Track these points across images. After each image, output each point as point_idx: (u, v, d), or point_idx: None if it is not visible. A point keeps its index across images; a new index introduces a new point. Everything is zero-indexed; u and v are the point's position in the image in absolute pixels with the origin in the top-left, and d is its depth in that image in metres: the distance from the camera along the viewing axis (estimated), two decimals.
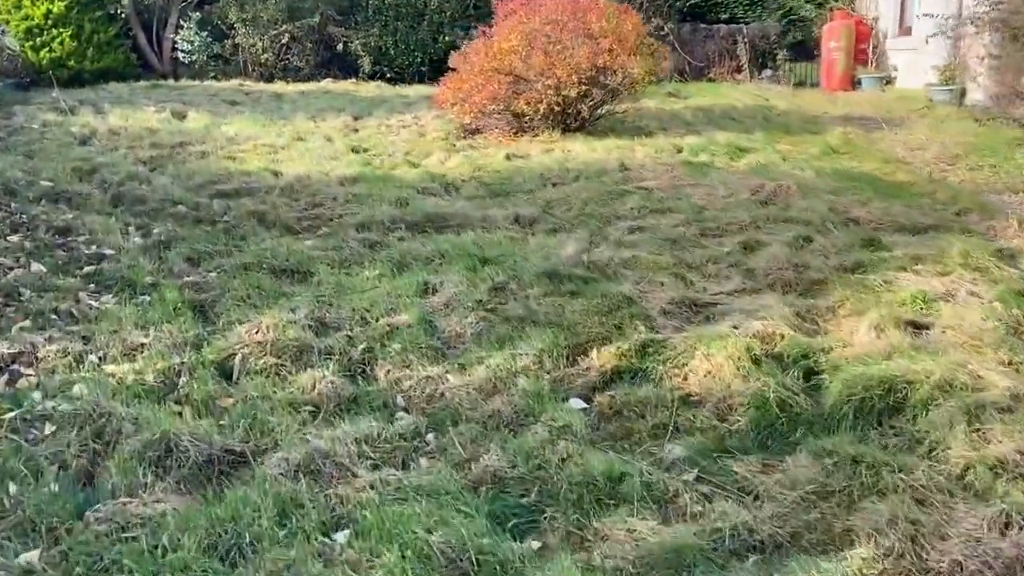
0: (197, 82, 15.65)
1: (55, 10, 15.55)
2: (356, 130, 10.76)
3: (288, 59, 16.73)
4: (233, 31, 16.66)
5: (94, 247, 5.84)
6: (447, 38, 16.91)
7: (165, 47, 17.36)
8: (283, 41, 16.50)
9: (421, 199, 7.05)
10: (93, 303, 4.84)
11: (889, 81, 15.71)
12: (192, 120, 10.82)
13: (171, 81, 15.78)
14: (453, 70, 10.60)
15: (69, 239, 6.12)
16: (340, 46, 16.77)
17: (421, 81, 17.01)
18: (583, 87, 9.07)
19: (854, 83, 15.81)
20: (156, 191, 7.31)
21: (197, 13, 16.93)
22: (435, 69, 17.33)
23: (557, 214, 6.56)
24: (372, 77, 16.90)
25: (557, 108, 9.23)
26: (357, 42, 16.57)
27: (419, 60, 17.09)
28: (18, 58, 15.97)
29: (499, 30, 9.71)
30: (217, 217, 6.66)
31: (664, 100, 12.36)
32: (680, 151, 8.71)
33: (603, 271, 4.97)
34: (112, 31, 16.48)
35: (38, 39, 15.68)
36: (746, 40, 16.40)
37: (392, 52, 16.95)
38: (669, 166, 7.83)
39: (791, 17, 17.63)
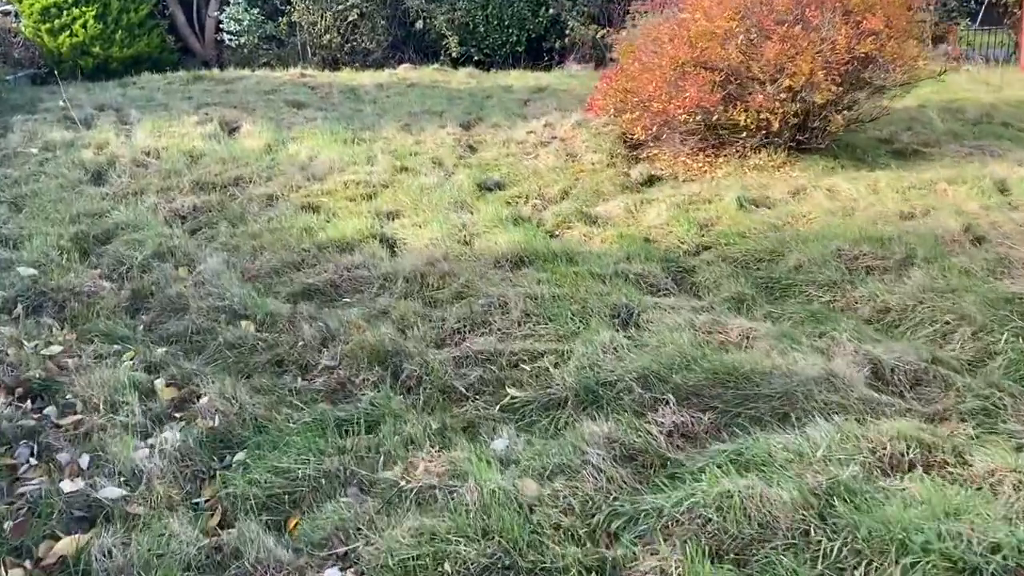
0: (247, 71, 12.73)
1: None
2: (473, 148, 7.75)
3: (356, 40, 13.74)
4: (289, 7, 13.71)
5: (75, 465, 2.96)
6: (550, 11, 13.77)
7: (208, 28, 14.50)
8: (350, 18, 13.49)
9: (654, 308, 4.02)
10: None
11: None
12: (248, 135, 7.90)
13: (216, 71, 12.87)
14: (610, 60, 7.54)
15: (39, 423, 3.25)
16: (420, 23, 13.71)
17: (516, 65, 13.95)
18: (838, 89, 5.93)
19: None
20: (202, 287, 4.40)
21: None
22: (533, 50, 14.28)
23: (950, 361, 3.47)
24: (456, 61, 13.85)
25: (794, 119, 6.11)
26: (441, 18, 13.49)
27: (514, 39, 13.98)
28: (35, 45, 13.20)
29: (695, 4, 6.57)
30: (310, 357, 3.72)
31: None
32: (1005, 191, 5.54)
33: None
34: (144, 9, 13.64)
35: (56, 21, 12.88)
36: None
37: (482, 29, 13.85)
38: None
39: None
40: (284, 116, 8.89)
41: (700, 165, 6.75)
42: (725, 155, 6.77)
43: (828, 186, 5.70)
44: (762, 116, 6.11)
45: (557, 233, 5.40)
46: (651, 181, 6.51)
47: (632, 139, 7.26)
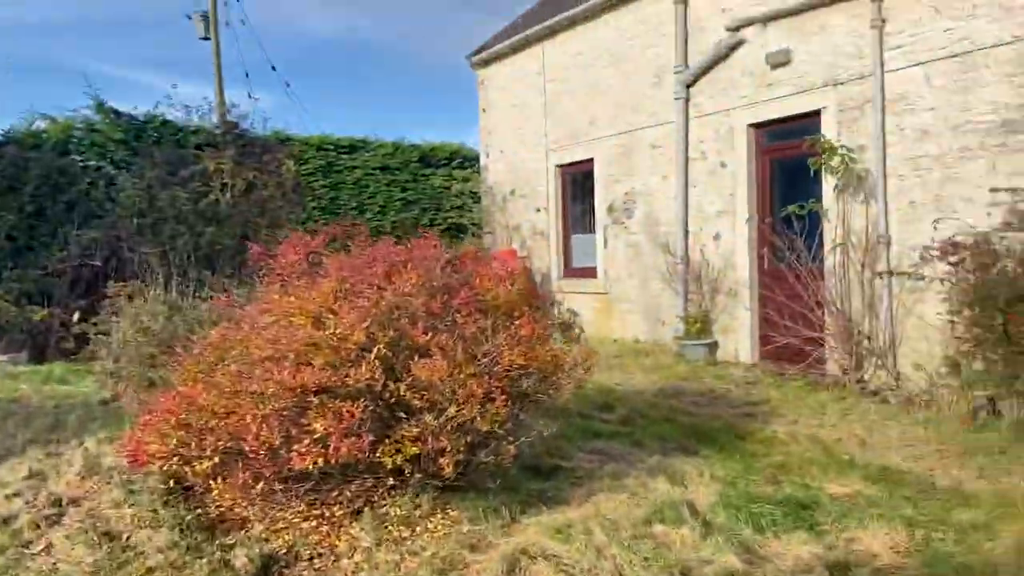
0: None
1: None
2: None
3: None
4: None
5: None
6: None
7: None
8: None
9: None
10: None
11: (568, 328, 13.77)
12: None
13: None
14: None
15: None
16: None
17: None
18: (508, 410, 4.65)
19: None
20: None
21: None
22: None
23: None
24: None
25: (459, 455, 4.58)
26: None
27: None
28: None
29: (286, 306, 4.78)
30: None
31: None
32: (707, 524, 4.77)
33: None
34: None
35: None
36: None
37: None
38: None
39: None
40: None
41: (315, 524, 4.74)
42: (338, 501, 4.89)
43: (540, 551, 4.23)
44: (418, 454, 4.48)
45: None
46: (269, 570, 4.25)
47: (190, 487, 4.93)
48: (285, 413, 4.38)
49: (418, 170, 19.49)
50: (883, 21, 8.87)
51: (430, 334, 4.67)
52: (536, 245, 14.85)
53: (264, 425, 4.33)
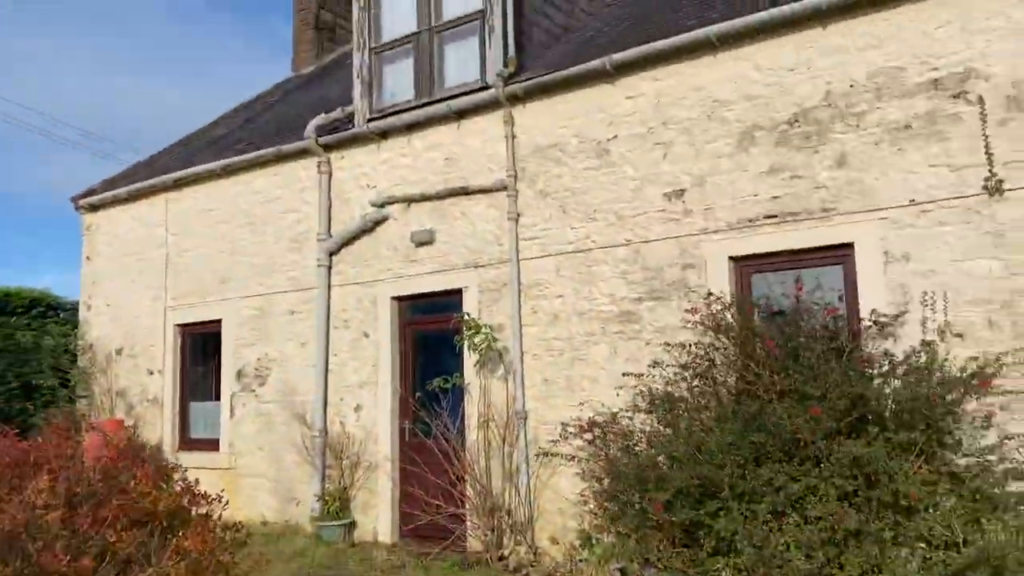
0: None
1: None
2: None
3: None
4: None
5: None
6: None
7: None
8: None
9: None
10: None
11: None
12: None
13: None
14: None
15: None
16: None
17: None
18: None
19: None
20: None
21: None
22: None
23: None
24: None
25: None
26: None
27: None
28: None
29: None
30: None
31: None
32: None
33: None
34: None
35: None
36: None
37: None
38: None
39: None
40: None
41: None
42: None
43: None
44: None
45: None
46: None
47: None
48: None
49: None
50: (518, 215, 9.69)
51: (69, 557, 3.63)
52: (147, 413, 13.17)
53: None
